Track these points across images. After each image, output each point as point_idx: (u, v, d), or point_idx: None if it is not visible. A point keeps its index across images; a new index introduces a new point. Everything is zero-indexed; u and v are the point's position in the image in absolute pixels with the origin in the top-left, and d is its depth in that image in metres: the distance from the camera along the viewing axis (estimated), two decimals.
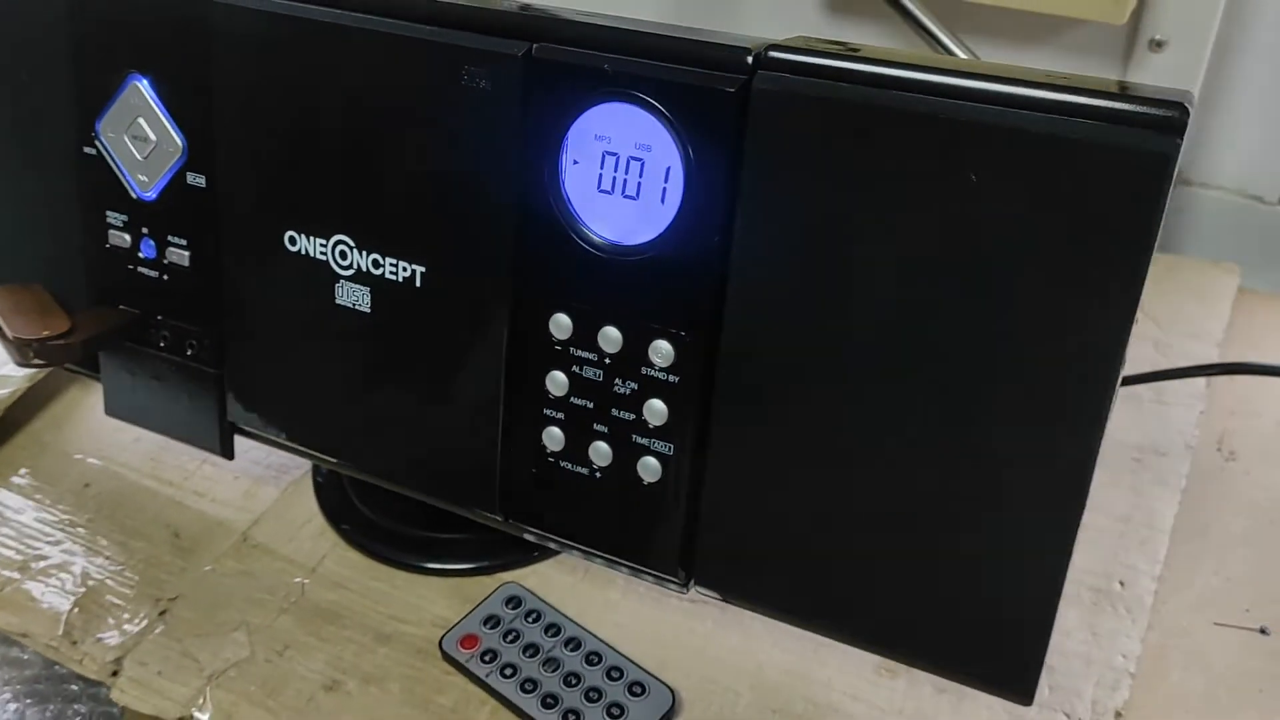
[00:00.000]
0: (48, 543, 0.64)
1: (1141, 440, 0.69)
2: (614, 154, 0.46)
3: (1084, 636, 0.58)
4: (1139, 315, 0.76)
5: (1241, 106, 0.84)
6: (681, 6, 0.94)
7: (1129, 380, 0.69)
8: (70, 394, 0.75)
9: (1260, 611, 0.59)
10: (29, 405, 0.73)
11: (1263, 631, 0.58)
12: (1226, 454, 0.70)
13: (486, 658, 0.56)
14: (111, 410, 0.65)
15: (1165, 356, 0.76)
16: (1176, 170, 0.37)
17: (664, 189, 0.45)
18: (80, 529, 0.65)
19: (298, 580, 0.61)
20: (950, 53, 0.76)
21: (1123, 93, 0.38)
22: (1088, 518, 0.64)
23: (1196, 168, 0.89)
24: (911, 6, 0.77)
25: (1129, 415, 0.71)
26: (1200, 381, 0.73)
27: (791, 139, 0.43)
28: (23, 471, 0.69)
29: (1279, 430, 0.72)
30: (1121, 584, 0.60)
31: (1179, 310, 0.80)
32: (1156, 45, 0.79)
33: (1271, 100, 0.84)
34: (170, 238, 0.58)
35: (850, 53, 0.43)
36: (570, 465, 0.52)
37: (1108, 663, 0.56)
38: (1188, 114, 0.36)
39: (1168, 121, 0.37)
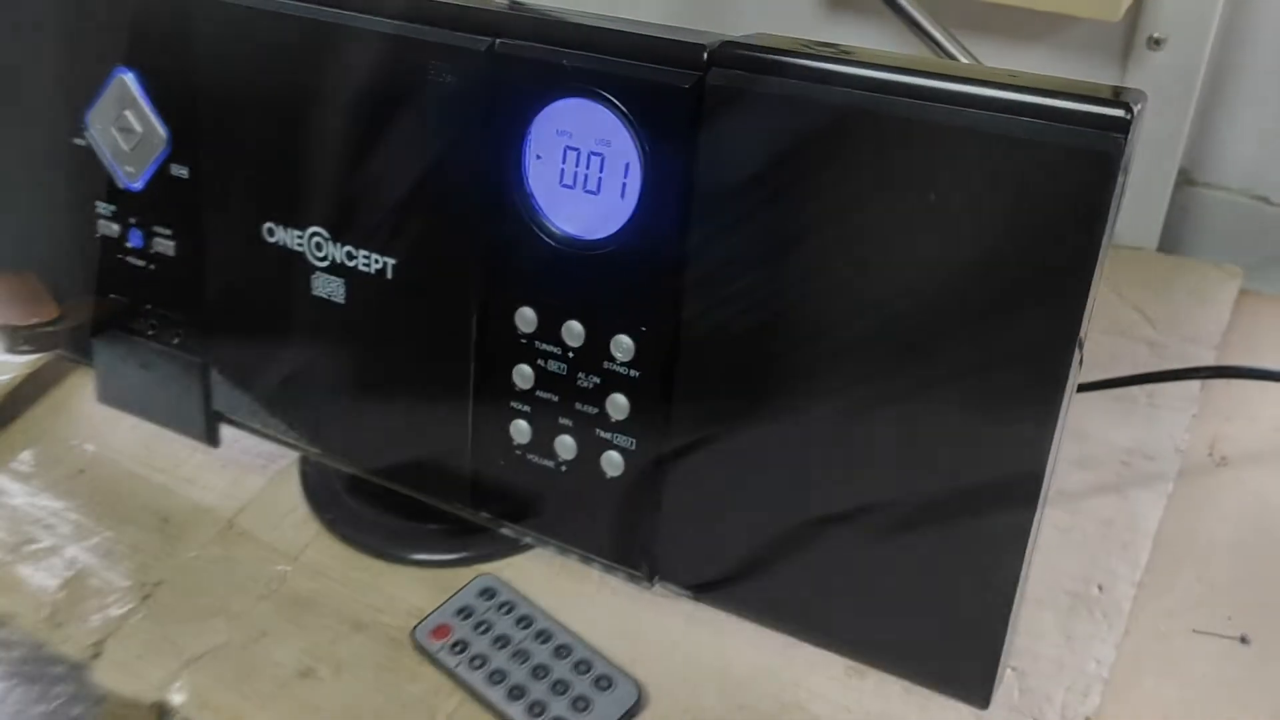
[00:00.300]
0: (40, 527, 0.65)
1: (1130, 443, 0.69)
2: (575, 149, 0.46)
3: (1057, 640, 0.57)
4: (1136, 316, 0.75)
5: (1248, 106, 0.83)
6: (684, 5, 0.94)
7: (1120, 382, 0.68)
8: (71, 381, 0.76)
9: (1241, 620, 0.59)
10: (29, 391, 0.75)
11: (1243, 640, 0.57)
12: (1218, 459, 0.69)
13: (457, 648, 0.56)
14: (103, 397, 0.66)
15: (1160, 359, 0.75)
16: (1124, 168, 0.37)
17: (624, 184, 0.45)
18: (72, 514, 0.66)
19: (280, 568, 0.62)
20: (946, 50, 0.75)
21: (1070, 92, 0.37)
22: (1070, 519, 0.64)
23: (1201, 168, 0.87)
24: (906, 5, 0.76)
25: (1119, 417, 0.70)
26: (1195, 385, 0.72)
27: (746, 135, 0.43)
28: (20, 456, 0.71)
29: (1273, 436, 0.70)
30: (1100, 588, 0.60)
31: (1177, 312, 0.79)
32: (1155, 43, 0.77)
33: (1278, 99, 0.82)
34: (156, 228, 0.59)
35: (843, 55, 0.43)
36: (536, 458, 0.52)
37: (1080, 668, 0.56)
38: (1133, 113, 0.36)
39: (1112, 120, 0.36)
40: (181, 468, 0.69)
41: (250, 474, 0.68)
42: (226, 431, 0.63)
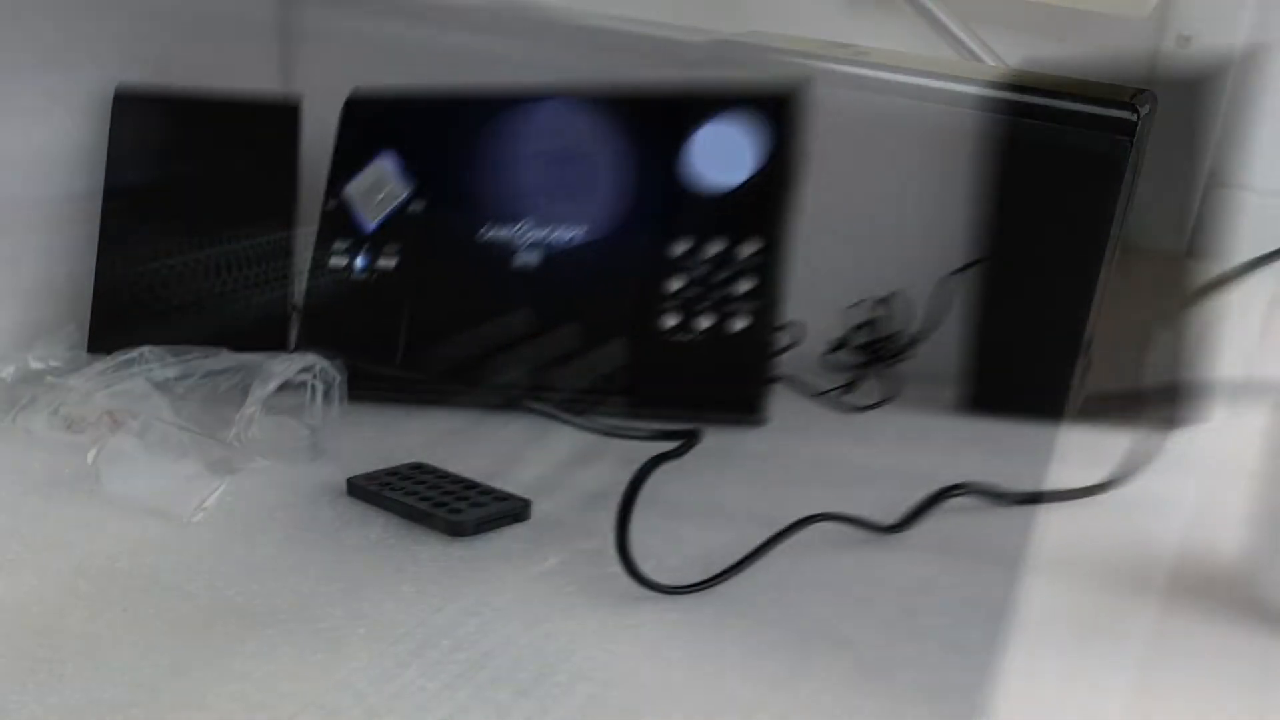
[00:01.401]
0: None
1: (1149, 457, 0.66)
2: (561, 147, 0.46)
3: (1070, 661, 0.54)
4: (1160, 325, 0.72)
5: (1278, 105, 0.80)
6: (705, 2, 0.93)
7: (1138, 395, 0.66)
8: None
9: (1263, 637, 0.56)
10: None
11: (1265, 656, 0.55)
12: (1243, 474, 0.66)
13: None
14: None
15: (1190, 373, 0.72)
16: (1132, 168, 0.35)
17: (608, 183, 0.45)
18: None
19: None
20: (967, 47, 0.74)
21: (1077, 93, 0.36)
22: (1081, 533, 0.62)
23: (1231, 169, 0.85)
24: (928, 2, 0.74)
25: (1137, 430, 0.68)
26: (1226, 401, 0.70)
27: (736, 133, 0.42)
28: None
29: None
30: (1116, 604, 0.57)
31: (1204, 321, 0.76)
32: (1184, 41, 0.75)
33: None
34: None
35: (842, 55, 0.42)
36: None
37: (1094, 687, 0.53)
38: (1139, 115, 0.34)
39: (1118, 123, 0.35)
40: None
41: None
42: None
